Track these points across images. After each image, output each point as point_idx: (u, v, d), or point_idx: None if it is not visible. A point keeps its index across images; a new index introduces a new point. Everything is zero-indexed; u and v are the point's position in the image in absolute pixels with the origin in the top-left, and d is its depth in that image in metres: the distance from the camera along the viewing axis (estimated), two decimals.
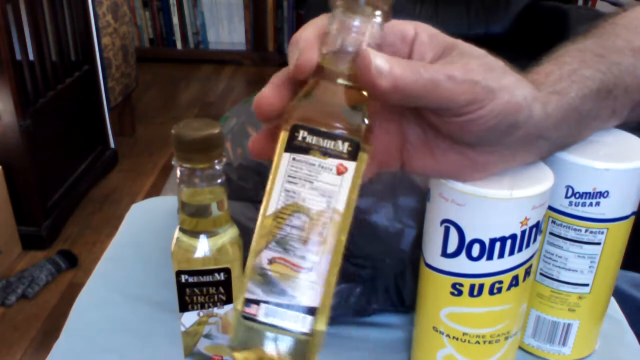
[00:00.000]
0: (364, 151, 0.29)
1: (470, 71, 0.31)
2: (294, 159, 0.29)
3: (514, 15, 2.33)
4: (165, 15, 3.19)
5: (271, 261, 0.29)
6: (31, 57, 1.69)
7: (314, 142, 0.29)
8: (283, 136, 0.29)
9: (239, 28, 3.22)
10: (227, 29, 3.23)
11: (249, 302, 0.29)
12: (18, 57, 1.62)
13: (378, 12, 0.30)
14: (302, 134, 0.29)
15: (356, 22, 0.30)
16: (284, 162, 0.29)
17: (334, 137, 0.29)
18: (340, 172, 0.29)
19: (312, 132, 0.29)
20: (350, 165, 0.29)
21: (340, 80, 0.30)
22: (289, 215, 0.29)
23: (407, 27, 0.33)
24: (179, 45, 3.26)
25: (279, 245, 0.29)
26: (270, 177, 0.30)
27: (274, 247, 0.29)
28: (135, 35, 2.91)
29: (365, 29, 0.30)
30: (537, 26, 2.25)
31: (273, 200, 0.29)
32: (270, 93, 0.31)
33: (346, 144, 0.29)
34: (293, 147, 0.29)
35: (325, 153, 0.29)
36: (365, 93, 0.31)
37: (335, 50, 0.30)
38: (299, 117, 0.29)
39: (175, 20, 3.19)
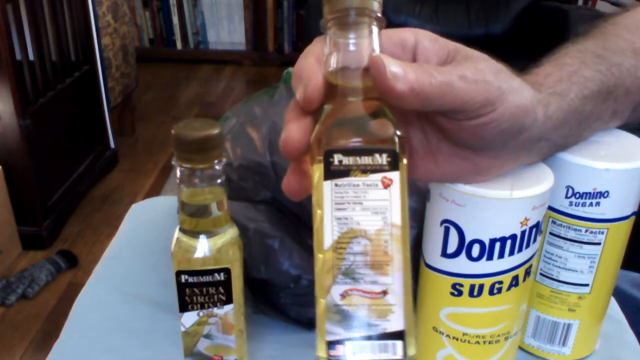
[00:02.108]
0: (403, 160, 0.28)
1: (481, 71, 0.31)
2: (336, 185, 0.28)
3: (514, 15, 2.33)
4: (165, 15, 3.19)
5: (343, 295, 0.27)
6: (31, 57, 1.69)
7: (351, 162, 0.28)
8: (317, 167, 0.28)
9: (239, 28, 3.22)
10: (227, 29, 3.23)
11: (332, 344, 0.27)
12: (18, 57, 1.62)
13: (371, 22, 0.29)
14: (337, 157, 0.28)
15: (352, 37, 0.29)
16: (327, 192, 0.28)
17: (370, 152, 0.28)
18: (386, 185, 0.28)
19: (347, 152, 0.28)
20: (394, 176, 0.28)
21: (356, 97, 0.29)
22: (348, 243, 0.28)
23: (406, 35, 0.33)
24: (179, 45, 3.26)
25: (346, 276, 0.27)
26: (316, 211, 0.28)
27: (342, 280, 0.27)
28: (135, 35, 2.91)
29: (363, 42, 0.29)
30: (537, 26, 2.25)
31: (327, 233, 0.28)
32: (294, 130, 0.30)
33: (384, 156, 0.28)
34: (332, 173, 0.28)
35: (366, 170, 0.28)
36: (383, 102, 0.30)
37: (342, 69, 0.29)
38: (329, 143, 0.28)
39: (175, 20, 3.20)
